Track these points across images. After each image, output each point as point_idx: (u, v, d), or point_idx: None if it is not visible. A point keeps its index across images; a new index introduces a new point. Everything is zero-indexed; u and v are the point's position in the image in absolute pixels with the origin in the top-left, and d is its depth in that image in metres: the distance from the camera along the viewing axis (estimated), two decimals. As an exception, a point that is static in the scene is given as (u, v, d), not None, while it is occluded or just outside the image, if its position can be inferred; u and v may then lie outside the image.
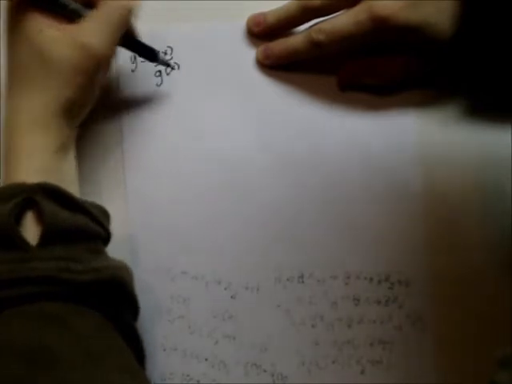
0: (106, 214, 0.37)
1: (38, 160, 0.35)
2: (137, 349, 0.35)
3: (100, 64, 0.36)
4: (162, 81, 0.43)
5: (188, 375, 0.41)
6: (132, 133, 0.43)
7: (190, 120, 0.42)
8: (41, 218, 0.33)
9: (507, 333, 0.39)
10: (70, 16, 0.36)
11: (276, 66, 0.42)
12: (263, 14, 0.41)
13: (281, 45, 0.40)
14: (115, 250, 0.40)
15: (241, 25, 0.42)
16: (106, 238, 0.37)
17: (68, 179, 0.37)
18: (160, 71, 0.43)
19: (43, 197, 0.33)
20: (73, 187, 0.37)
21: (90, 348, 0.31)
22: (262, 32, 0.41)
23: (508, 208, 0.39)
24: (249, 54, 0.42)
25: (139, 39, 0.40)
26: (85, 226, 0.34)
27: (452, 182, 0.40)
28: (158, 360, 0.41)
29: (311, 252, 0.41)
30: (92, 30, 0.35)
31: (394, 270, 0.40)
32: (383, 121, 0.41)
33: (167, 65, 0.41)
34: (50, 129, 0.35)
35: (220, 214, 0.42)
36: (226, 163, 0.42)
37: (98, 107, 0.43)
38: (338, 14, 0.38)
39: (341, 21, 0.37)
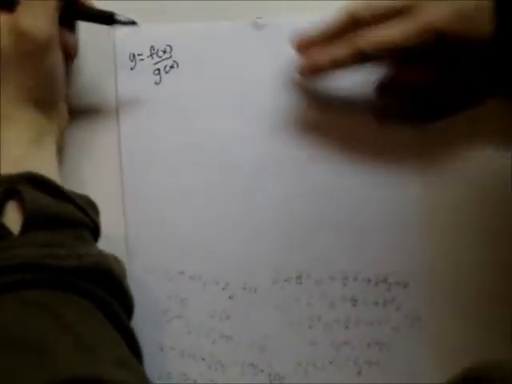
0: (92, 206, 0.37)
1: (11, 152, 0.35)
2: (131, 345, 0.34)
3: (44, 46, 0.36)
4: (160, 79, 0.43)
5: (185, 375, 0.41)
6: (130, 132, 0.43)
7: (188, 119, 0.42)
8: (23, 207, 0.33)
9: (506, 334, 0.39)
10: (9, 7, 0.36)
11: (276, 67, 0.42)
12: (306, 31, 0.39)
13: (325, 55, 0.38)
14: (112, 251, 0.40)
15: (241, 25, 0.42)
16: (93, 228, 0.36)
17: (44, 171, 0.36)
18: (159, 69, 0.43)
19: (26, 185, 0.33)
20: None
21: (79, 337, 0.29)
22: (307, 45, 0.39)
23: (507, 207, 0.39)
24: (248, 53, 0.42)
25: (89, 7, 0.39)
26: (69, 213, 0.34)
27: (452, 182, 0.40)
28: (156, 360, 0.41)
29: (309, 253, 0.41)
30: (28, 14, 0.35)
31: (391, 271, 0.40)
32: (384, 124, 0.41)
33: (131, 23, 0.40)
34: (18, 121, 0.36)
35: (218, 214, 0.42)
36: (225, 163, 0.42)
37: (96, 106, 0.43)
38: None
39: (390, 31, 0.36)
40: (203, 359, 0.41)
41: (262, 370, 0.41)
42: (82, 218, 0.35)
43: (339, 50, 0.38)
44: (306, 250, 0.41)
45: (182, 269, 0.42)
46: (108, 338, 0.31)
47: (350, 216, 0.41)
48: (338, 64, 0.38)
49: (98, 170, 0.43)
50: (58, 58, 0.38)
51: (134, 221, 0.42)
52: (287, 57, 0.42)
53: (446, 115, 0.40)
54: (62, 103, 0.40)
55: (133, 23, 0.40)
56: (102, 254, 0.34)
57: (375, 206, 0.41)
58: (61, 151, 0.41)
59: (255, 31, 0.42)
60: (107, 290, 0.33)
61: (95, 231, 0.37)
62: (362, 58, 0.37)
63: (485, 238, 0.40)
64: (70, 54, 0.41)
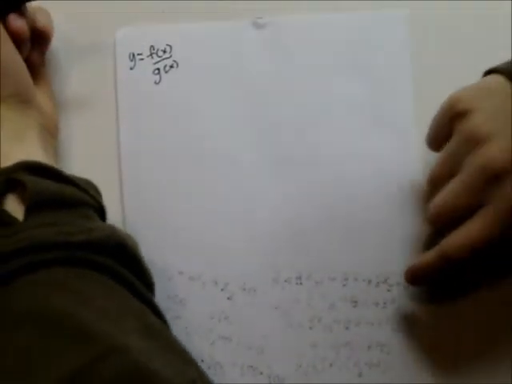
0: (94, 187, 0.36)
1: None
2: (155, 314, 0.32)
3: None
4: (160, 79, 0.42)
5: (184, 376, 0.41)
6: (129, 131, 0.42)
7: (188, 119, 0.42)
8: (24, 197, 0.32)
9: (506, 333, 0.39)
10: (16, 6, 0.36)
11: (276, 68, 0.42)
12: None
13: (417, 264, 0.38)
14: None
15: (241, 25, 0.42)
16: (98, 208, 0.35)
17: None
18: (158, 69, 0.43)
19: (25, 173, 0.33)
20: None
21: (100, 312, 0.28)
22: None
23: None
24: (248, 53, 0.42)
25: None
26: (71, 194, 0.33)
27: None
28: (155, 360, 0.41)
29: (309, 253, 0.41)
30: None
31: (392, 272, 0.40)
32: (385, 126, 0.41)
33: None
34: None
35: (218, 214, 0.42)
36: (224, 163, 0.42)
37: (96, 105, 0.43)
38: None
39: (471, 231, 0.34)
40: (202, 360, 0.41)
41: (262, 372, 0.41)
42: (85, 197, 0.34)
43: (428, 257, 0.37)
44: (306, 251, 0.41)
45: (181, 269, 0.41)
46: (130, 309, 0.30)
47: (351, 216, 0.41)
48: (426, 270, 0.37)
49: (97, 170, 0.43)
50: (7, 49, 0.36)
51: (133, 221, 0.42)
52: (287, 57, 0.42)
53: None
54: (39, 98, 0.39)
55: None
56: (112, 227, 0.33)
57: (377, 207, 0.41)
58: (54, 146, 0.41)
59: (255, 31, 0.42)
60: (121, 263, 0.32)
61: (101, 211, 0.36)
62: (446, 262, 0.36)
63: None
64: (23, 39, 0.38)
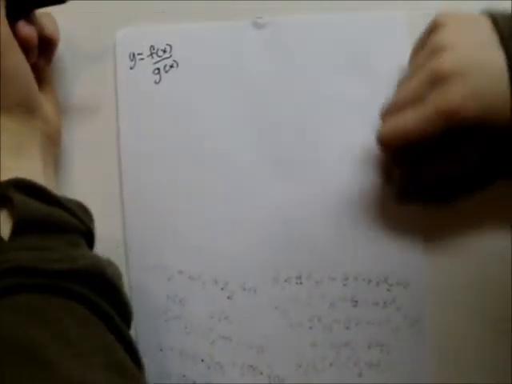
0: (85, 210, 0.36)
1: None
2: (129, 351, 0.32)
3: None
4: (160, 78, 0.42)
5: (184, 376, 0.41)
6: (129, 131, 0.43)
7: (188, 119, 0.42)
8: (13, 214, 0.31)
9: (506, 333, 0.39)
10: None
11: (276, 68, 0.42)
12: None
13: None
14: (111, 250, 0.40)
15: (241, 25, 0.42)
16: (86, 234, 0.35)
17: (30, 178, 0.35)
18: (159, 69, 0.43)
19: (15, 191, 0.32)
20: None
21: (72, 343, 0.28)
22: None
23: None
24: (248, 53, 0.42)
25: None
26: (60, 218, 0.33)
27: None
28: (155, 360, 0.41)
29: (309, 253, 0.41)
30: None
31: (392, 272, 0.40)
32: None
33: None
34: None
35: (218, 214, 0.42)
36: (225, 163, 0.42)
37: (96, 105, 0.43)
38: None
39: (406, 117, 0.35)
40: (202, 360, 0.41)
41: (262, 372, 0.41)
42: (73, 222, 0.34)
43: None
44: (306, 250, 0.41)
45: (180, 268, 0.41)
46: (102, 344, 0.30)
47: (351, 216, 0.41)
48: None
49: (97, 170, 0.43)
50: (16, 58, 0.36)
51: (133, 220, 0.42)
52: (287, 57, 0.42)
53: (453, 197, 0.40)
54: (44, 106, 0.39)
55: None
56: (96, 257, 0.33)
57: (377, 207, 0.41)
58: (55, 155, 0.41)
59: (255, 31, 0.42)
60: (102, 295, 0.32)
61: (89, 237, 0.35)
62: (381, 144, 0.36)
63: (485, 239, 0.40)
64: (31, 47, 0.38)
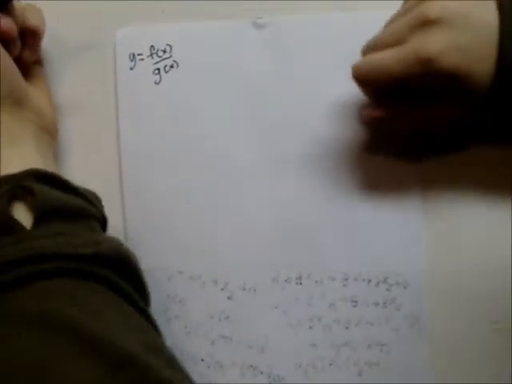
0: (97, 198, 0.37)
1: None
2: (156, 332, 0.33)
3: None
4: (160, 79, 0.42)
5: (184, 376, 0.41)
6: (129, 131, 0.43)
7: (188, 119, 0.42)
8: (34, 203, 0.32)
9: (506, 333, 0.39)
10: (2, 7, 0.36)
11: (276, 68, 0.42)
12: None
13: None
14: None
15: (241, 25, 0.42)
16: (101, 220, 0.36)
17: (19, 165, 0.35)
18: (159, 69, 0.43)
19: (33, 181, 0.33)
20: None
21: (107, 324, 0.29)
22: None
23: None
24: (248, 53, 0.42)
25: None
26: (79, 206, 0.34)
27: (453, 181, 0.40)
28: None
29: (309, 253, 0.41)
30: None
31: (392, 272, 0.40)
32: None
33: None
34: None
35: (218, 213, 0.42)
36: (225, 163, 0.42)
37: (96, 105, 0.43)
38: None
39: (385, 55, 0.35)
40: (202, 360, 0.41)
41: (262, 372, 0.41)
42: (91, 210, 0.35)
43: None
44: (306, 250, 0.41)
45: (180, 268, 0.41)
46: (134, 324, 0.31)
47: (351, 216, 0.41)
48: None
49: (97, 170, 0.43)
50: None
51: (133, 220, 0.42)
52: (287, 57, 0.42)
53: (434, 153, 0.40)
54: (34, 98, 0.39)
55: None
56: (118, 241, 0.34)
57: (375, 206, 0.41)
58: (53, 147, 0.41)
59: (255, 31, 0.42)
60: (126, 278, 0.33)
61: (103, 223, 0.36)
62: (358, 77, 0.36)
63: (485, 238, 0.40)
64: (11, 39, 0.38)
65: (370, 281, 0.40)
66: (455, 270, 0.40)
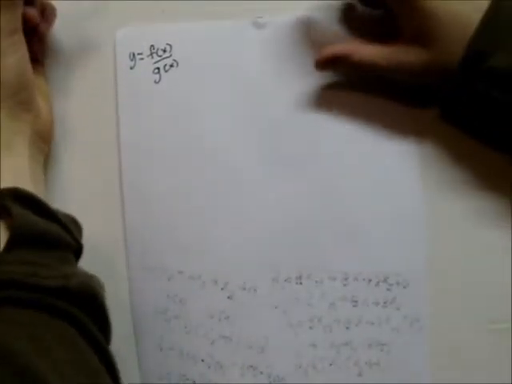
0: (77, 226, 0.36)
1: None
2: (110, 371, 0.32)
3: None
4: (160, 78, 0.42)
5: (184, 375, 0.41)
6: (129, 130, 0.42)
7: (188, 118, 0.42)
8: (9, 224, 0.31)
9: (506, 333, 0.39)
10: None
11: (276, 68, 0.42)
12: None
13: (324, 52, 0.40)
14: (111, 250, 0.40)
15: (241, 25, 0.42)
16: (77, 249, 0.35)
17: (17, 178, 0.35)
18: (158, 68, 0.43)
19: (13, 202, 0.32)
20: (24, 185, 0.35)
21: (56, 363, 0.28)
22: None
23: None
24: (248, 53, 0.42)
25: None
26: (55, 234, 0.33)
27: (453, 181, 0.40)
28: (155, 360, 0.41)
29: (309, 253, 0.41)
30: None
31: (392, 272, 0.40)
32: (384, 124, 0.41)
33: None
34: None
35: (218, 213, 0.42)
36: (225, 162, 0.42)
37: (96, 105, 0.43)
38: None
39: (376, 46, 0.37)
40: (202, 360, 0.41)
41: (262, 372, 0.41)
42: (67, 239, 0.34)
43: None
44: (306, 250, 0.41)
45: (180, 268, 0.41)
46: (86, 366, 0.30)
47: (350, 216, 0.41)
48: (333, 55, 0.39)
49: (97, 170, 0.43)
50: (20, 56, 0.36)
51: (133, 220, 0.42)
52: (287, 56, 0.42)
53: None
54: (36, 100, 0.38)
55: None
56: (87, 276, 0.33)
57: (376, 206, 0.41)
58: (46, 153, 0.41)
59: (255, 31, 0.42)
60: (91, 315, 0.32)
61: (78, 252, 0.36)
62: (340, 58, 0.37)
63: (486, 238, 0.40)
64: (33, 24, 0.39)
65: (370, 280, 0.40)
66: (455, 270, 0.40)
